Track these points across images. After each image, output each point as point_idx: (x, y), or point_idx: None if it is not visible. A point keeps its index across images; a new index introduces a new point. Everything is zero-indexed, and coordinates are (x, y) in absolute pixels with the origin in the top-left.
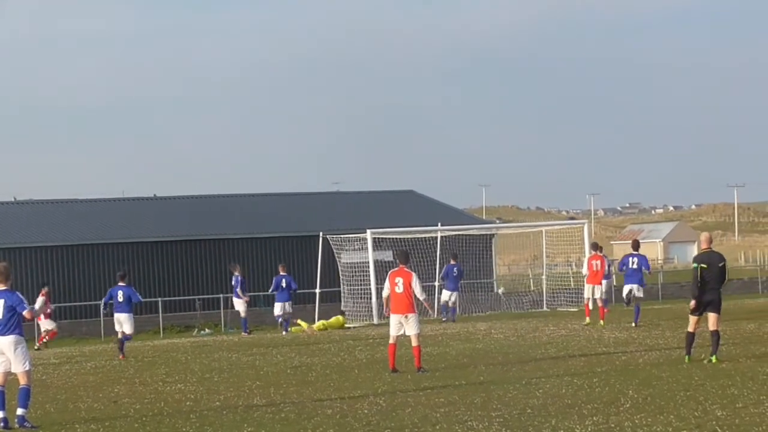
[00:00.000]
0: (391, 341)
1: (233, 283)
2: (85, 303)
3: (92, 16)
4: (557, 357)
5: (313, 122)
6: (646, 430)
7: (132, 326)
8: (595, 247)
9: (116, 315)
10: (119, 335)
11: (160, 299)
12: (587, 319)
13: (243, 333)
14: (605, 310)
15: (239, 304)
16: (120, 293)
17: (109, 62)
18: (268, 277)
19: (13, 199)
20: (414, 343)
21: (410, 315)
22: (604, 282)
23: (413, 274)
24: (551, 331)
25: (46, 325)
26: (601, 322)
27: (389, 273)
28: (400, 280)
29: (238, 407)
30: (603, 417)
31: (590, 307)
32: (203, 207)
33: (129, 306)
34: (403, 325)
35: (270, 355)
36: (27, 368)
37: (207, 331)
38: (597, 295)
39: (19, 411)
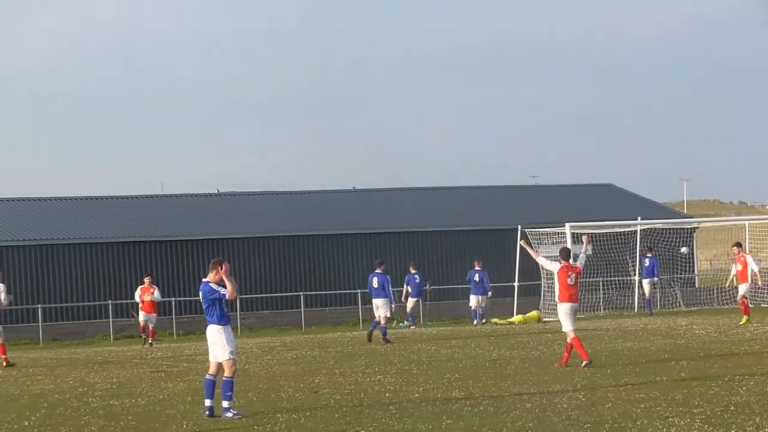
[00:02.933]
0: (573, 335)
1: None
2: (279, 294)
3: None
4: (761, 353)
5: (505, 113)
6: None
7: (387, 310)
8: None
9: (374, 300)
10: (377, 319)
11: (359, 291)
12: (745, 318)
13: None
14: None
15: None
16: (375, 280)
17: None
18: (465, 270)
19: (215, 192)
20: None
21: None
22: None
23: (580, 267)
24: (754, 327)
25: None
26: (745, 317)
27: (559, 269)
28: (573, 275)
29: (436, 399)
30: None
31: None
32: (397, 198)
33: (383, 292)
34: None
35: (468, 347)
36: (230, 357)
37: (406, 323)
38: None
39: (224, 404)
